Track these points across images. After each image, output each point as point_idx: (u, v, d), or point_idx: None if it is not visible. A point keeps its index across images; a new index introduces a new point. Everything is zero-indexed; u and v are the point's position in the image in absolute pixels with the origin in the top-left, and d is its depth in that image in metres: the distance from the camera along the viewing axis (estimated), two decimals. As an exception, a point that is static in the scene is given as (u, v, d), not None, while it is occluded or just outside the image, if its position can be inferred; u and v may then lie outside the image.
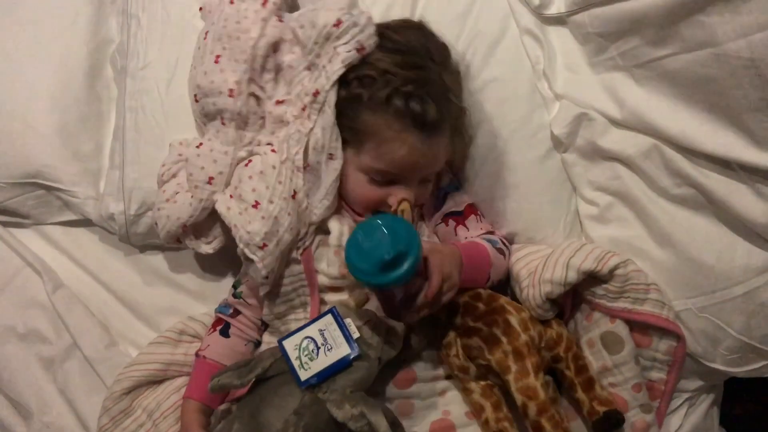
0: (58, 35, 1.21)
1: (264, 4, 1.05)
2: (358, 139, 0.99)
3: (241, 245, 0.99)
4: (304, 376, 0.89)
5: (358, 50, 0.98)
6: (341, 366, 0.90)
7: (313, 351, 0.90)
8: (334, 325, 0.91)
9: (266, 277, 1.00)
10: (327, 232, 1.04)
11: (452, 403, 1.00)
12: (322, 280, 1.03)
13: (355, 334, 0.91)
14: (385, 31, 1.00)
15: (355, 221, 1.05)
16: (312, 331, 0.91)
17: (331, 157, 1.01)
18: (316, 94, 0.99)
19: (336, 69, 0.98)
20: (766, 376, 1.00)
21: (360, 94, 0.97)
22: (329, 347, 0.90)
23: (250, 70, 1.03)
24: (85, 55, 1.21)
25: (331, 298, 1.03)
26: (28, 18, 1.22)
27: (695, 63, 0.88)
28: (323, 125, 0.99)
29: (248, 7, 1.05)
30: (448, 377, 1.02)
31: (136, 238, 1.18)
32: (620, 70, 1.00)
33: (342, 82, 0.98)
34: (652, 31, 0.92)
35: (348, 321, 0.92)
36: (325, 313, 0.92)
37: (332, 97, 0.99)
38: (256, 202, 0.99)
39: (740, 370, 1.00)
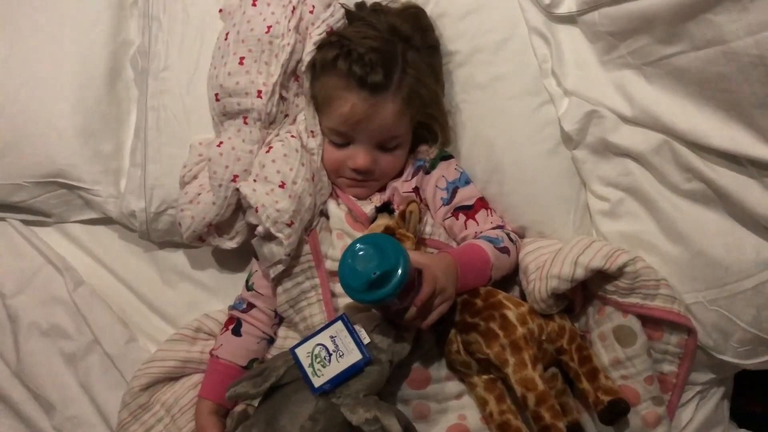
0: (79, 38, 1.23)
1: (293, 11, 1.09)
2: (318, 103, 1.09)
3: (267, 224, 1.02)
4: (317, 382, 0.91)
5: (327, 32, 1.08)
6: (353, 372, 0.91)
7: (325, 358, 0.92)
8: (345, 332, 0.93)
9: (288, 255, 1.03)
10: (327, 216, 1.10)
11: (468, 408, 1.01)
12: (327, 264, 1.07)
13: (366, 340, 0.93)
14: (369, 12, 1.09)
15: (348, 206, 1.10)
16: (323, 338, 0.93)
17: (312, 134, 1.08)
18: (297, 79, 1.10)
19: (309, 50, 1.06)
20: (777, 367, 1.01)
21: (315, 59, 1.07)
22: (341, 353, 0.92)
23: (283, 74, 1.07)
24: (105, 56, 1.23)
25: (334, 287, 1.06)
26: (50, 21, 1.24)
27: (704, 61, 0.89)
28: (303, 105, 1.08)
29: (275, 11, 1.09)
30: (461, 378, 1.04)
31: (157, 234, 1.20)
32: (630, 68, 1.01)
33: None
34: (661, 30, 0.93)
35: (358, 327, 0.94)
36: (335, 320, 0.94)
37: (308, 78, 1.08)
38: (282, 182, 1.04)
39: (751, 363, 1.00)
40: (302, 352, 0.93)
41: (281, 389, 0.93)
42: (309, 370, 0.91)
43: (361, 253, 0.87)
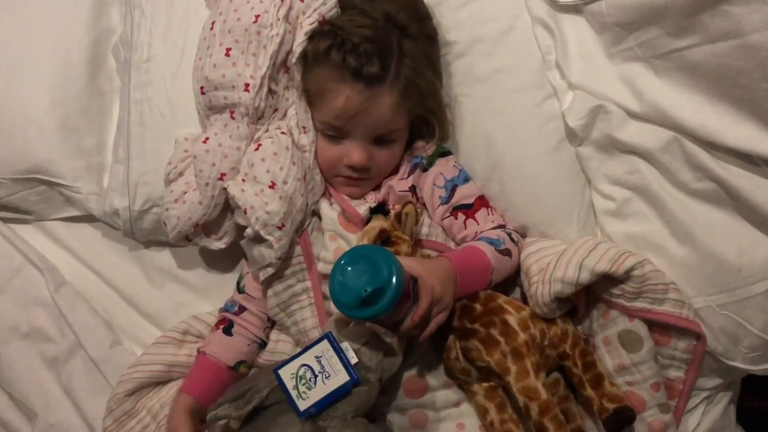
0: (58, 26, 1.19)
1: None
2: (310, 97, 1.04)
3: (257, 226, 0.99)
4: (302, 406, 0.88)
5: (319, 22, 1.02)
6: (340, 394, 0.88)
7: (310, 380, 0.89)
8: (331, 351, 0.90)
9: (279, 258, 1.00)
10: (319, 216, 1.07)
11: (466, 416, 0.99)
12: (318, 266, 1.04)
13: (353, 360, 0.90)
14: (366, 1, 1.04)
15: (342, 206, 1.06)
16: (308, 358, 0.90)
17: (304, 130, 1.04)
18: (287, 71, 1.05)
19: (300, 41, 1.02)
20: (787, 372, 0.99)
21: (306, 50, 1.02)
22: (327, 375, 0.89)
23: (272, 66, 1.03)
24: (86, 46, 1.19)
25: (326, 289, 1.01)
26: (27, 9, 1.20)
27: (718, 54, 0.85)
28: (294, 99, 1.04)
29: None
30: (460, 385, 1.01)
31: (141, 233, 1.16)
32: (639, 60, 0.97)
33: None
34: (673, 21, 0.89)
35: (345, 345, 0.90)
36: (321, 339, 0.91)
37: (299, 70, 1.04)
38: (272, 182, 1.01)
39: (761, 368, 0.98)
40: (286, 374, 0.90)
41: (265, 411, 0.91)
42: (294, 393, 0.88)
43: (350, 267, 0.84)
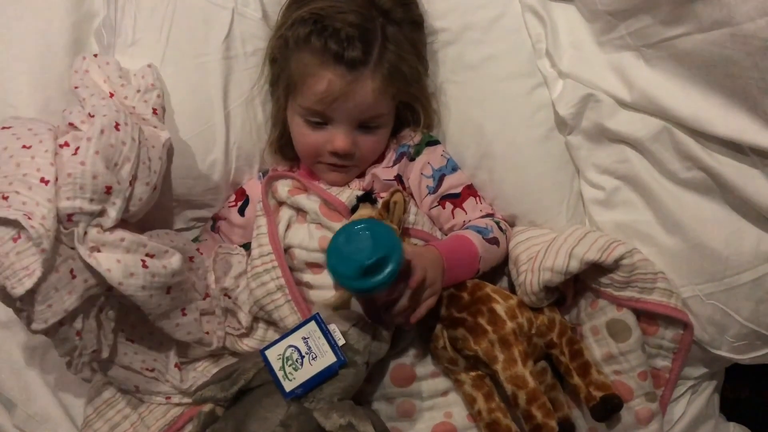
0: (37, 7, 1.13)
1: None
2: (292, 83, 1.03)
3: None
4: (288, 387, 0.87)
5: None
6: (327, 375, 0.88)
7: (297, 361, 0.88)
8: (318, 333, 0.89)
9: None
10: (299, 209, 1.06)
11: (454, 405, 0.99)
12: (300, 255, 1.03)
13: (341, 341, 0.89)
14: None
15: (321, 197, 1.05)
16: (295, 339, 0.89)
17: None
18: None
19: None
20: (771, 362, 0.99)
21: (287, 36, 1.02)
22: (314, 356, 0.88)
23: None
24: (67, 28, 1.13)
25: (311, 278, 1.02)
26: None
27: (710, 43, 0.85)
28: None
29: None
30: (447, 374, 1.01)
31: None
32: (630, 49, 0.97)
33: None
34: (665, 10, 0.88)
35: (333, 327, 0.90)
36: (308, 320, 0.90)
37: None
38: None
39: (746, 357, 0.99)
40: (273, 355, 0.89)
41: (251, 392, 0.90)
42: (280, 374, 0.88)
43: (352, 238, 0.83)
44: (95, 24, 1.16)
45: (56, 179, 0.88)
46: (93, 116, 0.94)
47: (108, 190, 0.89)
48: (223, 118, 1.08)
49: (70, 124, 0.96)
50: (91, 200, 0.88)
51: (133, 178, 0.93)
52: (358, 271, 0.81)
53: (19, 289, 0.84)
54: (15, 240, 0.85)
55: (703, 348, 1.00)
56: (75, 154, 0.89)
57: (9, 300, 0.88)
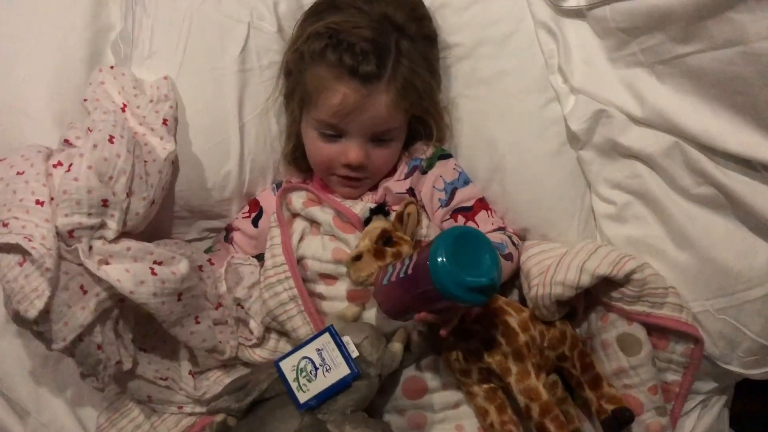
0: (55, 21, 1.15)
1: None
2: (307, 96, 1.04)
3: None
4: (302, 398, 0.88)
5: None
6: (341, 387, 0.89)
7: (311, 372, 0.89)
8: (332, 344, 0.90)
9: None
10: (312, 221, 1.07)
11: (465, 418, 0.99)
12: (313, 266, 1.03)
13: (354, 353, 0.90)
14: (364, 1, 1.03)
15: (335, 209, 1.06)
16: (309, 351, 0.90)
17: None
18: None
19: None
20: (783, 377, 0.99)
21: (303, 50, 1.02)
22: (328, 368, 0.89)
23: None
24: (84, 41, 1.15)
25: (323, 289, 1.03)
26: (25, 3, 1.16)
27: (722, 61, 0.86)
28: None
29: None
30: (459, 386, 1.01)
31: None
32: (642, 66, 0.98)
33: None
34: (677, 28, 0.89)
35: (347, 339, 0.91)
36: (323, 332, 0.91)
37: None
38: None
39: (756, 372, 0.99)
40: (287, 366, 0.90)
41: (265, 403, 0.91)
42: (294, 385, 0.89)
43: (469, 246, 0.79)
44: (112, 37, 1.18)
45: (51, 199, 0.90)
46: (91, 131, 0.95)
47: (105, 203, 0.91)
48: (238, 130, 1.09)
49: (66, 141, 0.98)
50: (89, 214, 0.90)
51: (130, 192, 0.94)
52: (471, 284, 0.77)
53: (32, 312, 0.86)
54: (21, 264, 0.88)
55: (714, 363, 1.00)
56: (68, 171, 0.91)
57: (26, 324, 0.90)
